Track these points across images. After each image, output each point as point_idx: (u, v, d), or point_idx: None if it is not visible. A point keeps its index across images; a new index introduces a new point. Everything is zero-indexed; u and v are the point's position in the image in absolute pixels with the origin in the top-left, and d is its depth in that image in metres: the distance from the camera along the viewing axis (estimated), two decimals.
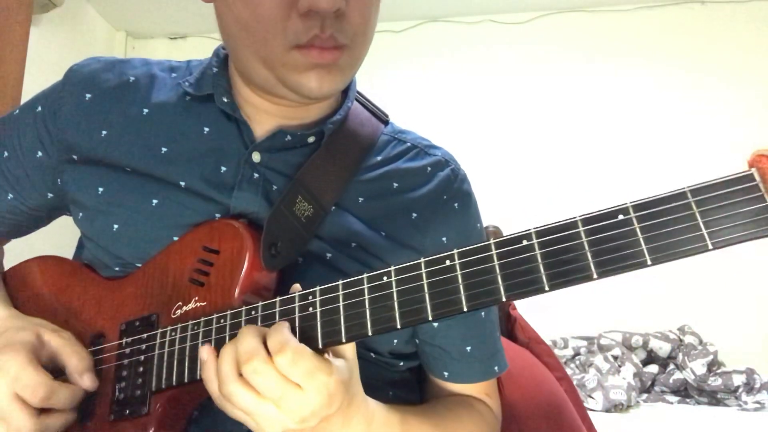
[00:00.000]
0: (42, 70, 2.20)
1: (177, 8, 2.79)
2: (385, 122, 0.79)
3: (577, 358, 2.14)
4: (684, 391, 2.01)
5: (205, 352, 0.54)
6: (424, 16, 2.83)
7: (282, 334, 0.50)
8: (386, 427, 0.60)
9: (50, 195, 0.74)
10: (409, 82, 2.76)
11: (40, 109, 0.74)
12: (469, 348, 0.72)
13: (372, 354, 0.69)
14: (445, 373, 0.73)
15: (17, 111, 0.76)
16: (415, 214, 0.72)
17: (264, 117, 0.71)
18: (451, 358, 0.73)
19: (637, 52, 2.62)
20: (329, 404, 0.51)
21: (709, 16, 2.60)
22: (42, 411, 0.59)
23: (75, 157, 0.70)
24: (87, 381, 0.62)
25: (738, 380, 1.90)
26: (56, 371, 0.63)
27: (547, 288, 0.44)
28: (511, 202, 2.41)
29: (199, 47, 2.94)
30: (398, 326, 0.50)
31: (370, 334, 0.51)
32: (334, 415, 0.53)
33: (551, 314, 1.88)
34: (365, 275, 0.52)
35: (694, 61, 2.56)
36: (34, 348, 0.62)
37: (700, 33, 2.59)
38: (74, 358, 0.63)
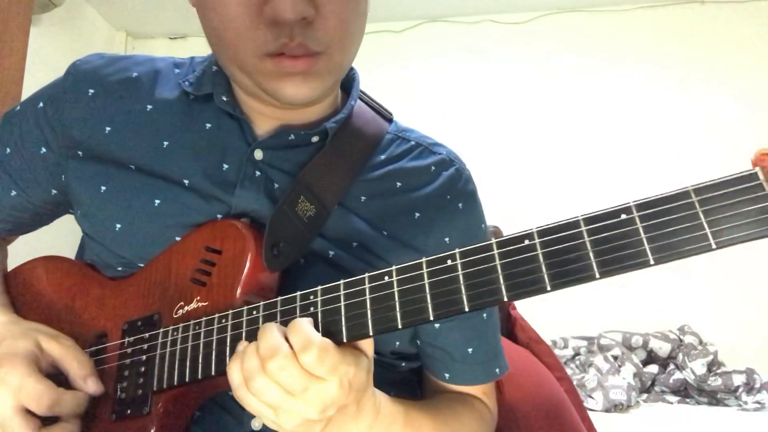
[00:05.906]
0: (42, 70, 2.20)
1: (177, 8, 2.79)
2: (390, 121, 0.78)
3: (577, 358, 2.14)
4: (684, 391, 2.00)
5: (242, 345, 0.53)
6: (424, 16, 2.83)
7: (304, 331, 0.50)
8: (391, 417, 0.60)
9: (54, 191, 0.74)
10: (409, 82, 2.75)
11: (42, 105, 0.73)
12: (470, 350, 0.72)
13: (374, 355, 0.69)
14: (446, 375, 0.73)
15: (19, 107, 0.76)
16: (418, 214, 0.71)
17: (262, 118, 0.70)
18: (452, 359, 0.72)
19: (637, 52, 2.62)
20: (348, 394, 0.51)
21: (708, 16, 2.60)
22: (45, 423, 0.58)
23: (80, 153, 0.70)
24: (91, 385, 0.62)
25: (738, 380, 1.90)
26: (58, 379, 0.62)
27: (548, 288, 0.44)
28: (511, 202, 2.40)
29: (199, 47, 2.92)
30: (399, 326, 0.50)
31: (371, 334, 0.51)
32: (350, 404, 0.53)
33: (551, 314, 1.88)
34: (366, 275, 0.52)
35: (693, 60, 2.56)
36: (35, 357, 0.61)
37: (699, 33, 2.59)
38: (75, 363, 0.62)
